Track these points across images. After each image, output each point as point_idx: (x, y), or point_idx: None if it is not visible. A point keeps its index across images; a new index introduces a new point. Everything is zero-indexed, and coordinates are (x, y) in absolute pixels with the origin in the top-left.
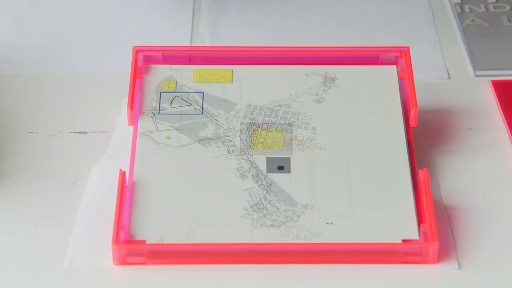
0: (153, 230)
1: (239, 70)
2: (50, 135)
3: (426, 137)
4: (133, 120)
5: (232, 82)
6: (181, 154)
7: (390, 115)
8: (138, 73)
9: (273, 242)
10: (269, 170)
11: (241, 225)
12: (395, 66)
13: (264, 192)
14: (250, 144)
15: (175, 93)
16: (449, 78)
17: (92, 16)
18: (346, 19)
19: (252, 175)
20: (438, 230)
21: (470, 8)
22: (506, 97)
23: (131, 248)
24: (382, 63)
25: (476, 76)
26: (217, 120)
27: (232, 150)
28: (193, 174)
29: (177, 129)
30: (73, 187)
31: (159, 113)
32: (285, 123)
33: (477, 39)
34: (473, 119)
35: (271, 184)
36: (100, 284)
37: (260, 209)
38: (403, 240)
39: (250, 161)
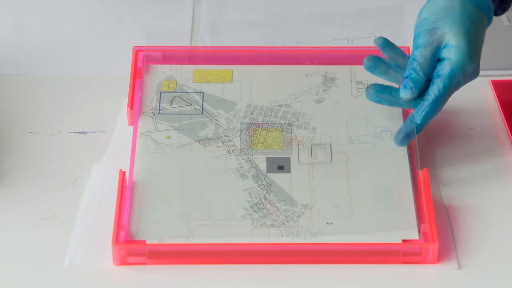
0: (153, 230)
1: (239, 70)
2: (50, 135)
3: (426, 137)
4: (133, 120)
5: (232, 82)
6: (181, 154)
7: (390, 115)
8: (138, 73)
9: (273, 242)
10: (269, 170)
11: (241, 225)
12: None
13: (264, 192)
14: (250, 144)
15: (175, 93)
16: None
17: (92, 16)
18: (346, 18)
19: (252, 175)
20: (438, 230)
21: None
22: (506, 97)
23: (131, 248)
24: None
25: None
26: (217, 120)
27: (232, 150)
28: (193, 174)
29: (177, 129)
30: (73, 187)
31: (159, 113)
32: (285, 123)
33: None
34: (473, 119)
35: (271, 184)
36: (100, 284)
37: (260, 209)
38: (403, 240)
39: (250, 161)
